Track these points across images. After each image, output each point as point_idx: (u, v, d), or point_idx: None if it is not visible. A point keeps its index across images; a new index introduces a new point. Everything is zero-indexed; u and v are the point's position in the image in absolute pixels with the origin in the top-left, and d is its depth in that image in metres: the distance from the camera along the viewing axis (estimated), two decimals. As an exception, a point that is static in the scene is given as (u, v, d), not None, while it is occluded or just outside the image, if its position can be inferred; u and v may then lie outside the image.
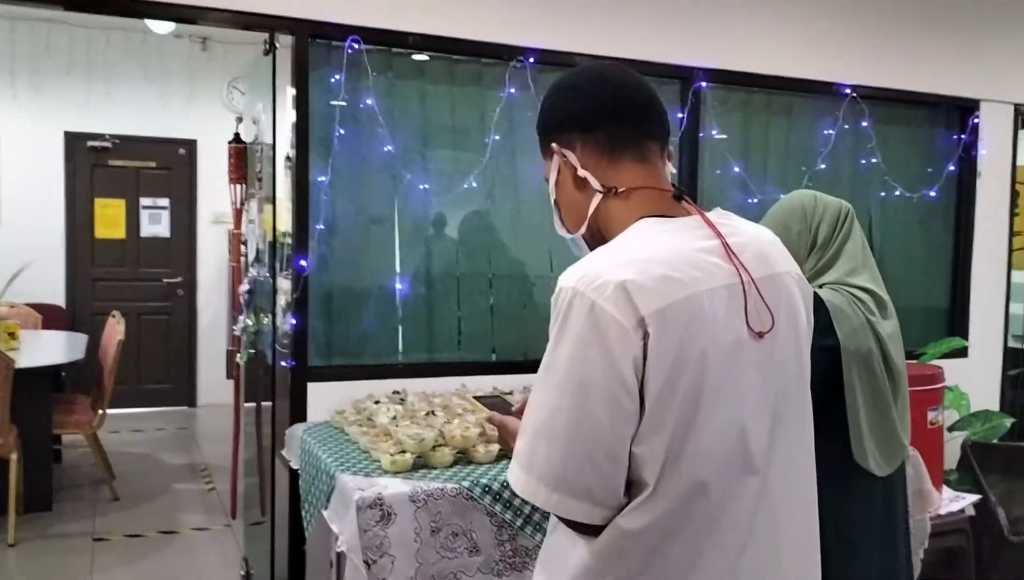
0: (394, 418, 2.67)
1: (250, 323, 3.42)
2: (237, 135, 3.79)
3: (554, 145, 1.29)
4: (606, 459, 1.09)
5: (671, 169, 1.28)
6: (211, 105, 7.22)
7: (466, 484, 2.31)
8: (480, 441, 2.52)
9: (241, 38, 7.14)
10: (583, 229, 1.29)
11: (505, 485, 2.32)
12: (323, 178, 3.09)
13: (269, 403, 3.36)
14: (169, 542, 4.25)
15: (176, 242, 7.33)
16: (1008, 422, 3.74)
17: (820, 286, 1.97)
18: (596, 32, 3.42)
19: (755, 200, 3.82)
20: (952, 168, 4.26)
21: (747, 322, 1.14)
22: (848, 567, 1.92)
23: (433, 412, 2.72)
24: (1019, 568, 3.41)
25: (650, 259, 1.12)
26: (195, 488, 5.14)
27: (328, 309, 3.19)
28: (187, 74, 7.24)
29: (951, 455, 3.85)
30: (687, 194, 1.26)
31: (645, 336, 1.07)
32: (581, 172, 1.25)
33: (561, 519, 1.18)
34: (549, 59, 3.36)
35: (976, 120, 4.23)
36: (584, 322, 1.09)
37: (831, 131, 3.95)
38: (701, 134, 3.68)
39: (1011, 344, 4.46)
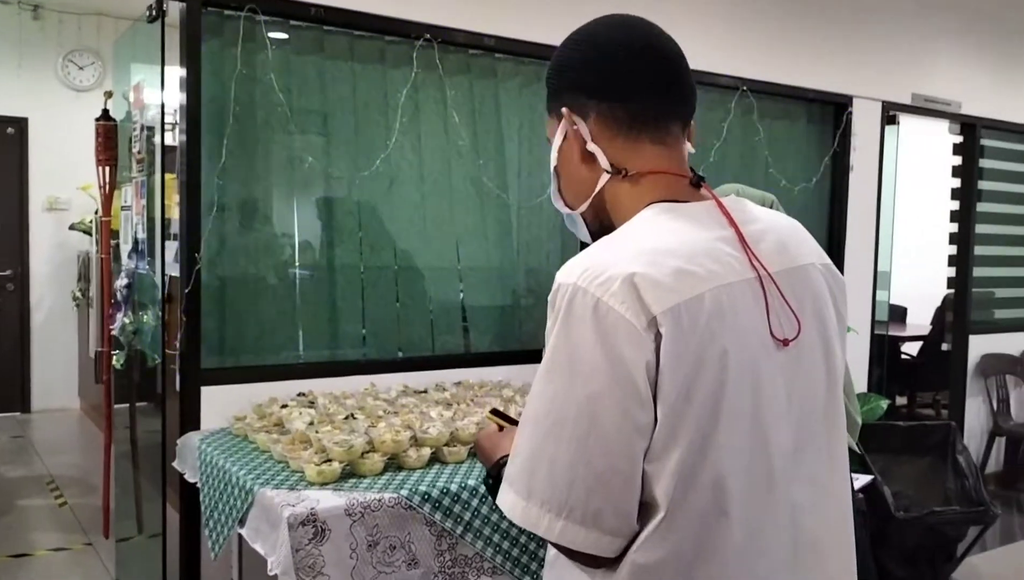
0: (311, 423, 2.46)
1: (128, 321, 3.07)
2: (106, 112, 3.40)
3: (564, 109, 1.12)
4: (617, 479, 0.95)
5: (690, 149, 1.14)
6: (44, 80, 6.56)
7: (404, 493, 2.14)
8: (411, 445, 2.36)
9: (79, 6, 6.56)
10: (584, 207, 1.15)
11: (444, 492, 2.18)
12: (215, 160, 2.81)
13: (145, 407, 3.04)
14: (23, 566, 3.79)
15: (4, 232, 6.60)
16: (884, 403, 3.95)
17: None
18: (503, 13, 3.31)
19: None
20: (827, 160, 4.45)
21: (769, 327, 1.01)
22: None
23: (352, 415, 2.53)
24: (903, 543, 3.60)
25: (662, 250, 0.99)
26: (44, 503, 4.63)
27: (222, 304, 2.91)
28: (15, 45, 6.51)
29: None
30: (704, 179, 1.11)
31: (657, 337, 0.94)
32: (591, 146, 1.10)
33: (563, 551, 1.02)
34: (455, 39, 3.21)
35: (848, 116, 4.43)
36: (588, 323, 0.95)
37: (723, 124, 4.02)
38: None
39: (877, 330, 4.72)
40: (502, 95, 3.42)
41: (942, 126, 5.28)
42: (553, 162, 1.16)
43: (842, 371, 1.14)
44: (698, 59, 3.93)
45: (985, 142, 5.39)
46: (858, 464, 3.78)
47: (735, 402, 0.97)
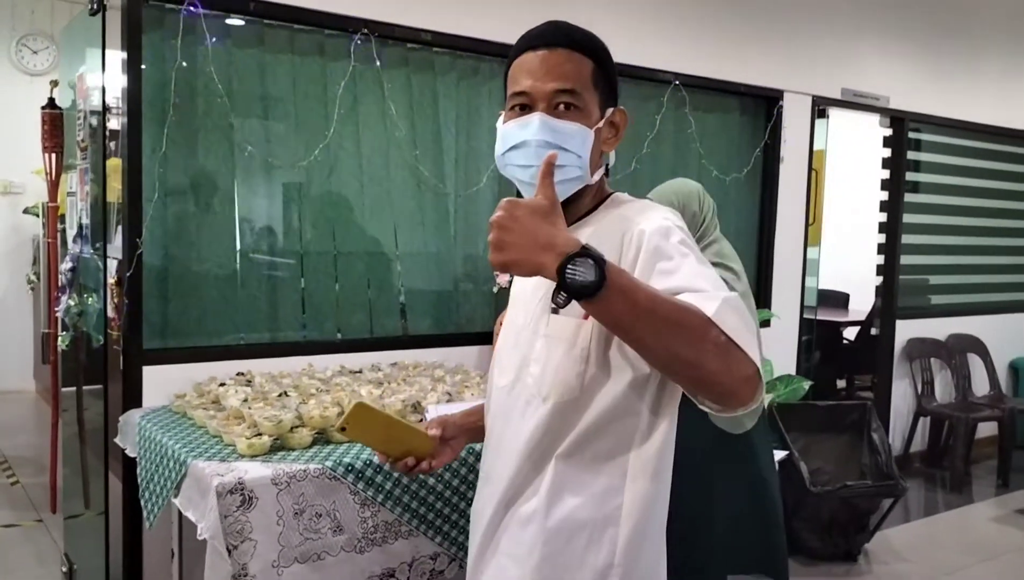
0: (245, 400, 2.60)
1: (73, 303, 3.17)
2: (52, 100, 3.48)
3: (617, 112, 1.39)
4: None
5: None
6: (-6, 64, 6.56)
7: (329, 464, 2.29)
8: (339, 420, 2.50)
9: (33, -10, 6.55)
10: (581, 184, 1.34)
11: (367, 463, 2.33)
12: (156, 148, 2.92)
13: (93, 388, 3.15)
14: (-28, 543, 3.89)
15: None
16: (806, 384, 4.15)
17: None
18: (440, 8, 3.43)
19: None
20: (759, 152, 4.64)
21: None
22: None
23: (285, 393, 2.67)
24: (817, 515, 3.82)
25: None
26: (-5, 482, 4.72)
27: (163, 288, 3.02)
28: (-35, 27, 6.50)
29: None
30: None
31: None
32: (610, 148, 1.38)
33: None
34: (394, 34, 3.34)
35: (779, 110, 4.62)
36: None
37: (656, 116, 4.18)
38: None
39: (806, 315, 4.93)
40: (440, 88, 3.56)
41: (877, 120, 5.51)
42: (588, 147, 1.32)
43: None
44: (631, 54, 4.13)
45: (922, 136, 5.63)
46: (777, 441, 4.00)
47: None
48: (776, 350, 4.54)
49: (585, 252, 1.06)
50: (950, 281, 5.83)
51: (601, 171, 1.37)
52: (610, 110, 1.37)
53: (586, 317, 1.23)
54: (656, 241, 1.22)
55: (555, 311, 1.25)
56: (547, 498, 1.30)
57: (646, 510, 1.30)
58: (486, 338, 3.60)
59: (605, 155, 1.37)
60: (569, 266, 1.05)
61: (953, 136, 5.75)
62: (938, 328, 5.61)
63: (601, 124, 1.34)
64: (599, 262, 1.05)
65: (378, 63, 3.29)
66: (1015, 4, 5.91)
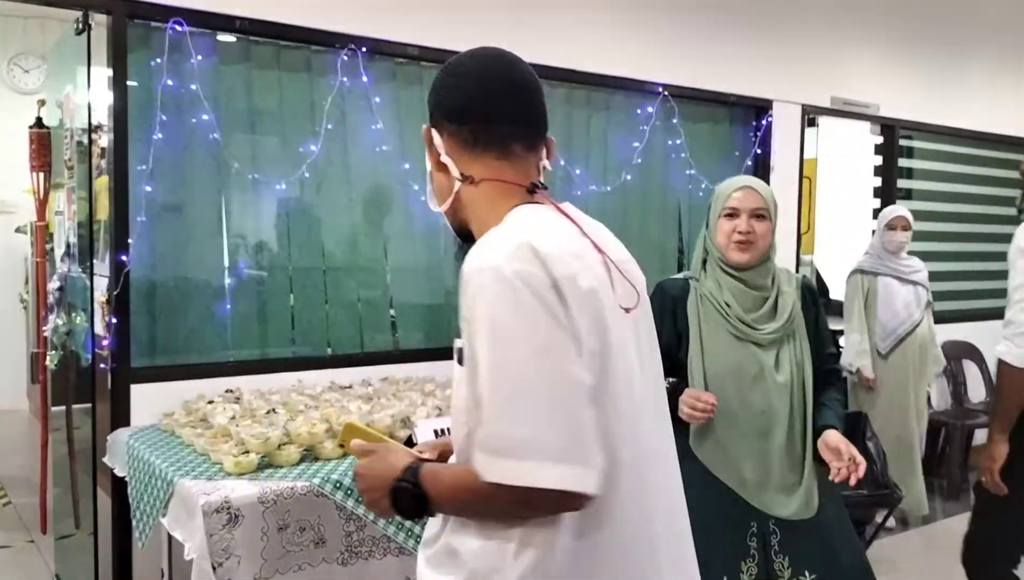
0: (233, 418, 2.59)
1: (61, 322, 3.16)
2: (39, 119, 3.48)
3: (424, 127, 1.33)
4: (586, 412, 1.10)
5: (545, 163, 1.32)
6: (-15, 83, 6.57)
7: (316, 481, 2.28)
8: (327, 437, 2.50)
9: (24, 9, 6.56)
10: (446, 207, 1.32)
11: (355, 479, 2.31)
12: (143, 167, 2.92)
13: (83, 407, 3.14)
14: (-37, 565, 3.86)
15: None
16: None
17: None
18: (426, 23, 3.44)
19: (578, 193, 3.99)
20: (749, 162, 4.64)
21: (615, 298, 1.20)
22: None
23: (274, 410, 2.66)
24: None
25: (548, 234, 1.17)
26: (-14, 503, 4.69)
27: (151, 305, 3.02)
28: (-43, 47, 6.51)
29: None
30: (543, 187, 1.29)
31: (562, 298, 1.10)
32: (444, 158, 1.29)
33: (539, 500, 1.09)
34: (380, 48, 3.34)
35: (769, 119, 4.62)
36: (520, 290, 1.09)
37: (645, 127, 4.19)
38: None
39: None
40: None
41: (868, 128, 5.52)
42: (428, 167, 1.34)
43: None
44: (620, 65, 4.14)
45: (915, 144, 5.64)
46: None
47: (617, 361, 1.17)
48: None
49: (400, 483, 1.20)
50: (945, 288, 5.82)
51: (450, 197, 1.29)
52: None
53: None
54: (461, 295, 1.15)
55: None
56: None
57: None
58: (477, 352, 3.58)
59: (457, 177, 1.29)
60: (396, 500, 1.20)
61: (944, 143, 5.76)
62: (966, 332, 5.62)
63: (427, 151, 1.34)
64: (415, 487, 1.18)
65: (365, 78, 3.30)
66: (1002, 12, 5.93)
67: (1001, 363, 2.50)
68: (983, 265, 5.99)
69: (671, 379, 2.22)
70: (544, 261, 1.11)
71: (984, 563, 2.75)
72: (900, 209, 4.49)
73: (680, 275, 2.39)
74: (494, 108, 1.27)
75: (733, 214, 2.26)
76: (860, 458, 2.12)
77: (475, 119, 1.27)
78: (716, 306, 2.24)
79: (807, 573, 2.21)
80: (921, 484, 4.43)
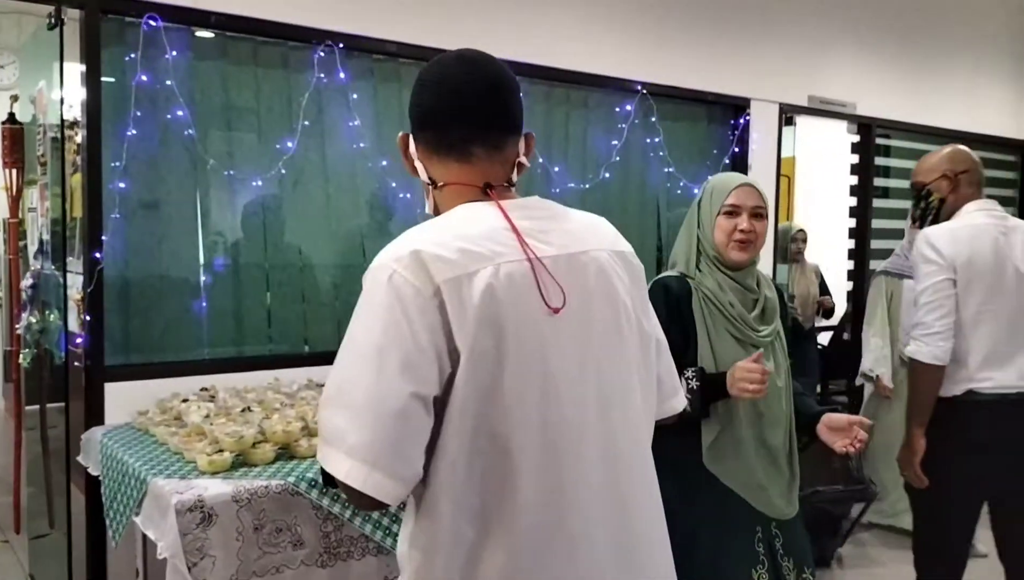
0: (207, 416, 2.57)
1: (35, 320, 3.13)
2: (12, 115, 3.44)
3: (400, 134, 1.38)
4: (400, 424, 1.11)
5: (522, 160, 1.34)
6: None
7: (291, 479, 2.27)
8: (303, 435, 2.49)
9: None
10: (429, 209, 1.37)
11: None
12: (117, 163, 2.90)
13: (57, 406, 3.11)
14: (-64, 565, 3.82)
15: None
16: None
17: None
18: (404, 20, 3.43)
19: (556, 190, 3.99)
20: (727, 161, 4.66)
21: (542, 298, 1.19)
22: None
23: (249, 408, 2.64)
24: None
25: (451, 233, 1.20)
26: (-40, 503, 4.63)
27: (126, 303, 2.99)
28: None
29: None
30: (503, 186, 1.31)
31: (441, 304, 1.13)
32: (416, 164, 1.34)
33: (351, 495, 1.15)
34: (358, 45, 3.33)
35: (747, 117, 4.65)
36: (384, 291, 1.15)
37: (624, 125, 4.20)
38: (507, 125, 3.79)
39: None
40: (406, 99, 3.53)
41: (845, 126, 5.56)
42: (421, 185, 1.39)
43: (647, 341, 1.36)
44: (598, 63, 4.14)
45: (892, 142, 5.69)
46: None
47: (519, 363, 1.16)
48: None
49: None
50: (920, 285, 5.88)
51: (429, 201, 1.36)
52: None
53: None
54: None
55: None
56: None
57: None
58: (456, 349, 3.58)
59: (431, 185, 1.34)
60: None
61: (921, 141, 5.81)
62: None
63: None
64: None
65: (342, 75, 3.28)
66: (980, 11, 5.99)
67: (913, 362, 2.61)
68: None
69: (692, 369, 2.11)
70: (427, 267, 1.14)
71: (930, 564, 2.79)
72: None
73: (674, 272, 2.27)
74: (449, 113, 1.29)
75: (734, 212, 2.19)
76: (864, 421, 2.11)
77: (434, 125, 1.30)
78: (720, 307, 2.17)
79: (805, 568, 2.21)
80: None
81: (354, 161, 3.41)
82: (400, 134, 1.36)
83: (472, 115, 1.29)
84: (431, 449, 1.16)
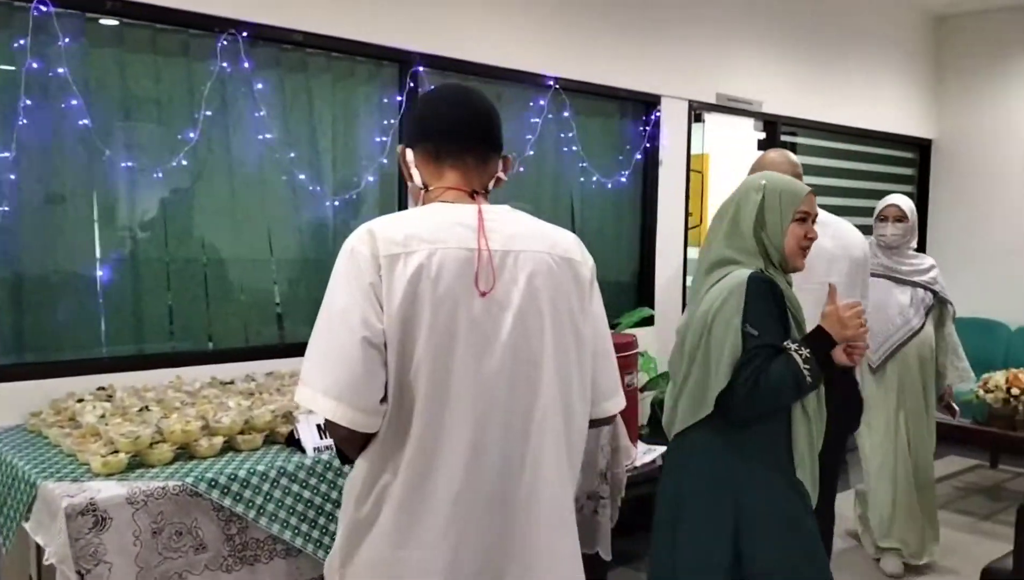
0: (103, 416, 2.48)
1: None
2: None
3: (399, 146, 1.65)
4: (360, 367, 1.39)
5: (500, 175, 1.63)
6: None
7: (190, 480, 2.21)
8: (203, 435, 2.42)
9: None
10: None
11: (233, 478, 2.26)
12: (7, 154, 2.76)
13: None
14: None
15: None
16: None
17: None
18: (315, 10, 3.36)
19: (470, 183, 3.98)
20: (639, 156, 4.73)
21: (476, 280, 1.46)
22: None
23: (147, 407, 2.56)
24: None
25: (406, 222, 1.48)
26: None
27: (18, 300, 2.86)
28: None
29: (644, 413, 4.32)
30: (485, 192, 1.60)
31: (380, 273, 1.42)
32: (413, 170, 1.60)
33: (331, 431, 1.48)
34: (264, 34, 3.25)
35: (658, 114, 4.72)
36: (347, 262, 1.45)
37: (537, 119, 4.21)
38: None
39: (689, 312, 5.05)
40: (314, 90, 3.49)
41: (752, 123, 5.71)
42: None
43: (581, 341, 1.57)
44: (512, 57, 4.14)
45: (798, 140, 5.86)
46: (659, 436, 4.08)
47: (432, 331, 1.43)
48: (659, 347, 4.64)
49: None
50: (825, 278, 6.09)
51: (419, 204, 1.62)
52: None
53: None
54: None
55: None
56: None
57: None
58: (368, 344, 3.54)
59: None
60: None
61: (824, 139, 6.02)
62: None
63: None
64: None
65: (247, 64, 3.20)
66: (879, 14, 6.22)
67: None
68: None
69: (793, 342, 2.15)
70: (375, 240, 1.44)
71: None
72: (894, 197, 3.90)
73: (753, 269, 2.21)
74: (453, 127, 1.58)
75: (804, 219, 2.25)
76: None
77: (437, 136, 1.58)
78: (796, 309, 2.24)
79: None
80: (925, 531, 3.93)
81: (261, 153, 3.33)
82: (399, 146, 1.63)
83: (469, 130, 1.58)
84: None
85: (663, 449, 3.74)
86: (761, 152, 5.61)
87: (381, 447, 1.46)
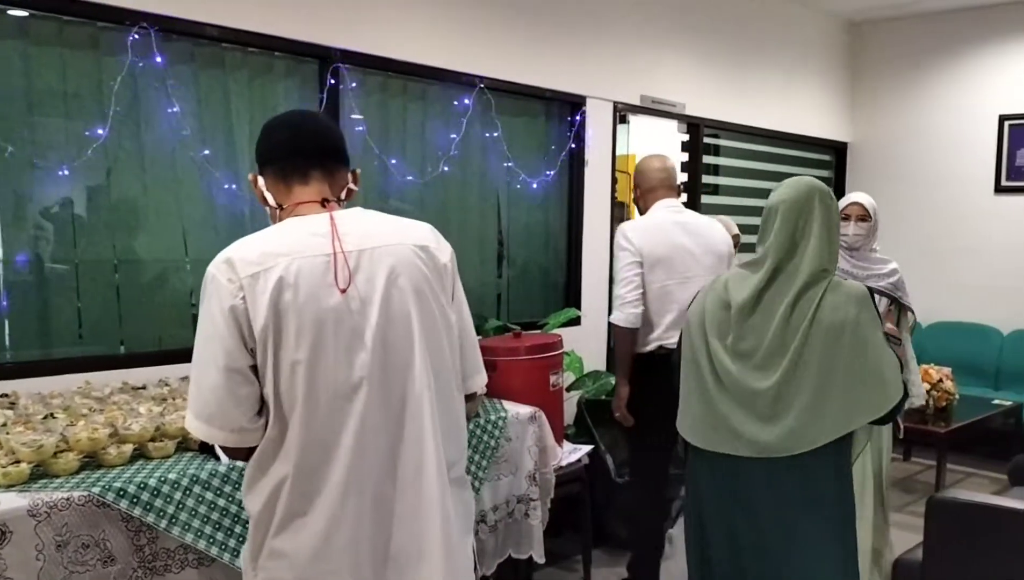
0: (3, 425, 2.36)
1: None
2: None
3: (250, 175, 1.75)
4: (222, 393, 1.52)
5: (352, 186, 1.75)
6: None
7: (96, 490, 2.12)
8: (111, 442, 2.33)
9: None
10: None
11: (143, 486, 2.18)
12: None
13: None
14: None
15: None
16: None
17: None
18: (231, 4, 3.27)
19: (394, 184, 3.94)
20: (564, 157, 4.74)
21: (336, 281, 1.56)
22: None
23: (52, 415, 2.45)
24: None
25: (261, 240, 1.58)
26: None
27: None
28: None
29: (569, 412, 4.33)
30: (338, 200, 1.72)
31: (244, 293, 1.51)
32: (266, 193, 1.71)
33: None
34: (177, 28, 3.15)
35: (583, 114, 4.74)
36: (209, 290, 1.54)
37: (462, 119, 4.19)
38: (341, 116, 3.71)
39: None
40: (231, 86, 3.40)
41: (675, 125, 5.79)
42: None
43: (447, 322, 1.69)
44: (437, 56, 4.10)
45: (721, 142, 5.96)
46: (584, 436, 4.10)
47: (298, 335, 1.53)
48: (585, 347, 4.66)
49: None
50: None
51: (276, 213, 1.74)
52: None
53: None
54: None
55: None
56: None
57: None
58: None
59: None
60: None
61: (747, 141, 6.14)
62: None
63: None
64: None
65: (159, 59, 3.10)
66: (795, 21, 6.38)
67: (611, 325, 3.42)
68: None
69: None
70: (232, 266, 1.53)
71: (635, 518, 3.46)
72: (855, 195, 3.61)
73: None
74: (293, 146, 1.70)
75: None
76: None
77: (282, 156, 1.69)
78: None
79: None
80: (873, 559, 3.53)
81: (174, 150, 3.23)
82: (250, 175, 1.74)
83: (311, 147, 1.69)
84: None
85: (588, 448, 3.77)
86: (682, 154, 5.78)
87: (272, 446, 1.56)
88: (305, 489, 1.54)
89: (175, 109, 3.18)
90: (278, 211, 1.68)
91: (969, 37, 6.44)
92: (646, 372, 3.34)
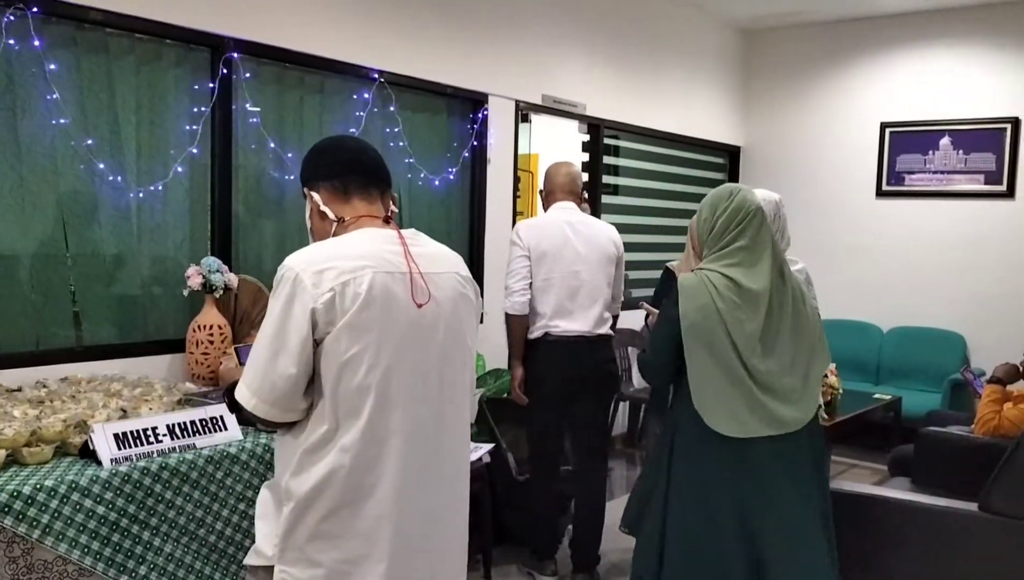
0: None
1: None
2: None
3: (304, 189, 1.84)
4: (287, 381, 1.63)
5: (393, 208, 1.85)
6: None
7: (-37, 500, 1.98)
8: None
9: None
10: (314, 239, 1.85)
11: (15, 495, 2.05)
12: None
13: None
14: None
15: None
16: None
17: (694, 270, 2.51)
18: (115, -13, 3.12)
19: (291, 177, 3.83)
20: (467, 154, 4.73)
21: (412, 296, 1.70)
22: None
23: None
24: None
25: (342, 254, 1.67)
26: None
27: None
28: None
29: (471, 410, 4.30)
30: (392, 218, 1.83)
31: (331, 299, 1.62)
32: (323, 208, 1.79)
33: (259, 421, 1.71)
34: (57, 11, 2.99)
35: (485, 112, 4.74)
36: (291, 290, 1.64)
37: (362, 113, 4.12)
38: (234, 107, 3.59)
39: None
40: (116, 73, 3.24)
41: (577, 125, 5.85)
42: (308, 225, 1.86)
43: (473, 353, 1.88)
44: (335, 49, 4.01)
45: (621, 143, 6.06)
46: (486, 434, 4.09)
47: (381, 340, 1.66)
48: (487, 346, 4.65)
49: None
50: (648, 276, 6.33)
51: (334, 227, 1.81)
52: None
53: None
54: None
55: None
56: None
57: None
58: (178, 346, 3.33)
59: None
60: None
61: (645, 143, 6.26)
62: (637, 320, 6.04)
63: (306, 208, 1.88)
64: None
65: (37, 42, 2.93)
66: (693, 27, 6.55)
67: (505, 313, 3.69)
68: (677, 255, 6.57)
69: None
70: (320, 273, 1.63)
71: (535, 507, 3.72)
72: (756, 192, 3.55)
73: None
74: (355, 165, 1.81)
75: None
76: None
77: (342, 174, 1.79)
78: None
79: None
80: None
81: (54, 139, 3.05)
82: (305, 189, 1.83)
83: (373, 166, 1.84)
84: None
85: (490, 446, 3.76)
86: (583, 154, 5.84)
87: (328, 435, 1.66)
88: (359, 482, 1.66)
89: (54, 96, 3.01)
90: (335, 224, 1.78)
91: (853, 47, 6.75)
92: (535, 354, 3.69)
